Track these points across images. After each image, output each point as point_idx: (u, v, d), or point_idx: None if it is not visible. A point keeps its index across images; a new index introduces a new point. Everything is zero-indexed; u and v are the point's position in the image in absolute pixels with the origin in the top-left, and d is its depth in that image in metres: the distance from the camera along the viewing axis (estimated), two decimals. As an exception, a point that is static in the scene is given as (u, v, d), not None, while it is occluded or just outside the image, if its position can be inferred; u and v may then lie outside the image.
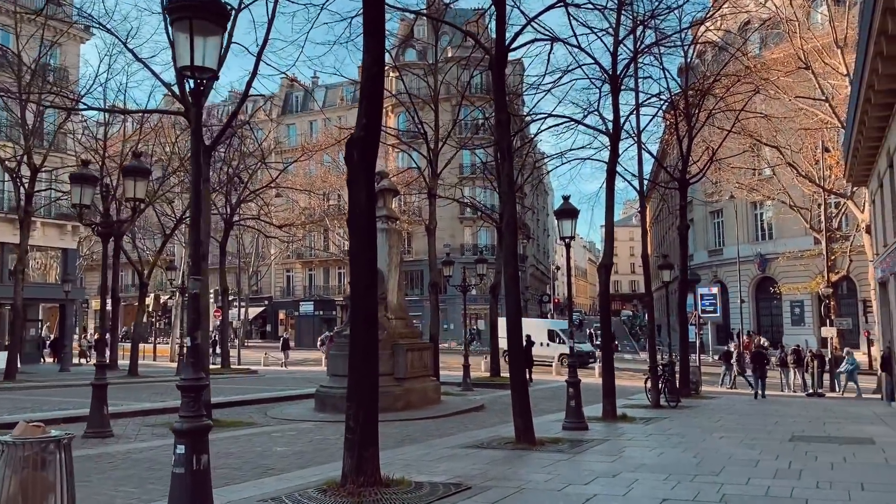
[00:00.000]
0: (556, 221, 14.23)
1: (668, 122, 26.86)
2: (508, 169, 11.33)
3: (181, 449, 5.41)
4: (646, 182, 22.13)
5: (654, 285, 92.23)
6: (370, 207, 7.45)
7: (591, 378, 28.62)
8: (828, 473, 8.55)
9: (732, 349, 32.28)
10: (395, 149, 37.33)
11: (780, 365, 28.53)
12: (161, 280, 68.62)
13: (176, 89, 15.94)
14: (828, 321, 28.99)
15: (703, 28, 23.91)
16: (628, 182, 24.47)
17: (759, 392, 23.10)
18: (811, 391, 25.05)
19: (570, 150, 19.28)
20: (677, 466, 8.98)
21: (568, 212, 13.59)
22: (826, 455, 9.88)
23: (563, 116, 17.04)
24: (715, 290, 43.32)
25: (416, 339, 17.79)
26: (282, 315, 71.09)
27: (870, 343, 36.09)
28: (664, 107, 21.38)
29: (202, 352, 10.36)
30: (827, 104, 27.81)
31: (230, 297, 61.90)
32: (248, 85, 15.05)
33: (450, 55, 39.27)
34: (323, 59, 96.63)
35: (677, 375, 20.69)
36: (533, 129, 21.34)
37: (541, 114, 17.02)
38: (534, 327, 34.73)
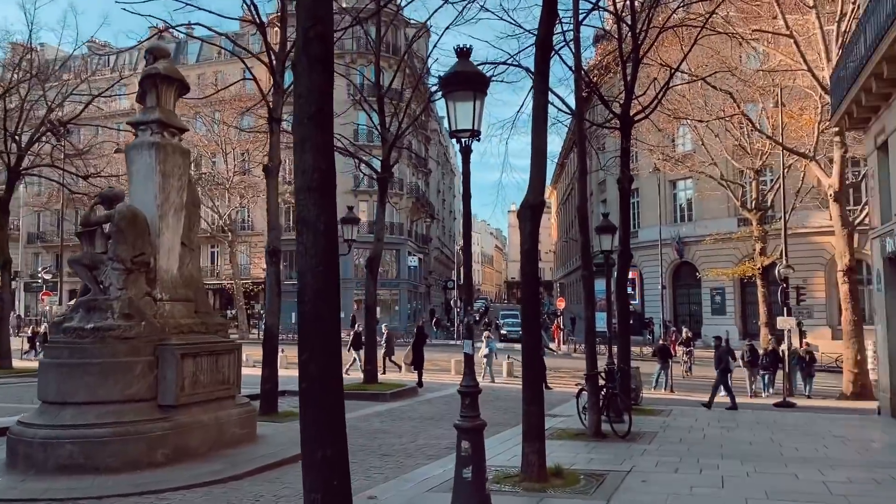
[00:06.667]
0: (446, 119, 7.39)
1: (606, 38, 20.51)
2: None
3: None
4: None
5: (565, 270, 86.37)
6: None
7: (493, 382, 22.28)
8: None
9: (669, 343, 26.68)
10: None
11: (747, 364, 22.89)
12: None
13: None
14: (784, 310, 23.47)
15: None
16: (561, 100, 17.87)
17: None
18: (783, 399, 19.30)
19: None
20: None
21: (466, 78, 6.63)
22: None
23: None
24: (633, 275, 37.90)
25: (209, 336, 10.35)
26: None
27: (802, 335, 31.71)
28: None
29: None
30: (792, 42, 22.44)
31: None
32: None
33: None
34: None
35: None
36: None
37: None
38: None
